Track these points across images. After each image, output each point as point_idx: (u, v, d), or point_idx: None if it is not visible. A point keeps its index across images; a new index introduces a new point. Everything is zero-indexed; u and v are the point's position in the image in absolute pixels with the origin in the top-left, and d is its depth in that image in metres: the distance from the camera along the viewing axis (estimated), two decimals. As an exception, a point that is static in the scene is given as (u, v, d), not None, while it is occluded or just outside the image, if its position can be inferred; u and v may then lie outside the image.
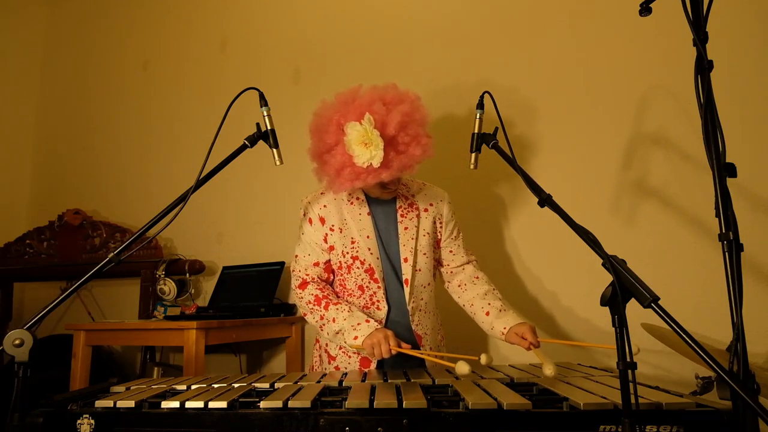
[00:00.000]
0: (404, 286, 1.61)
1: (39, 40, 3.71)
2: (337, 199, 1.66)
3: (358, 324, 1.50)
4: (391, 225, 1.65)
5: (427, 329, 1.65)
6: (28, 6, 3.68)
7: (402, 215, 1.66)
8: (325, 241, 1.65)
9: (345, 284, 1.63)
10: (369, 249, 1.61)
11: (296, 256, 1.70)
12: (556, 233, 2.02)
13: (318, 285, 1.64)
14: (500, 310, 1.58)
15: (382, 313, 1.60)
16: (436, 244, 1.72)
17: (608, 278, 0.94)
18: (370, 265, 1.60)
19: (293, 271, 1.70)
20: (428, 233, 1.67)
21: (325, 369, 1.68)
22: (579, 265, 1.97)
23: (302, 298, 1.63)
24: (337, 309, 1.55)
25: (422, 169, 1.59)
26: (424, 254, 1.66)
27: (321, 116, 1.52)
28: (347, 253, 1.62)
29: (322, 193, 1.68)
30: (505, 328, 1.53)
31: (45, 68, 3.70)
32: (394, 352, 1.42)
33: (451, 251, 1.73)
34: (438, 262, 1.75)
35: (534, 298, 2.10)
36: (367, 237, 1.61)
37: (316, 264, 1.67)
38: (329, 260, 1.67)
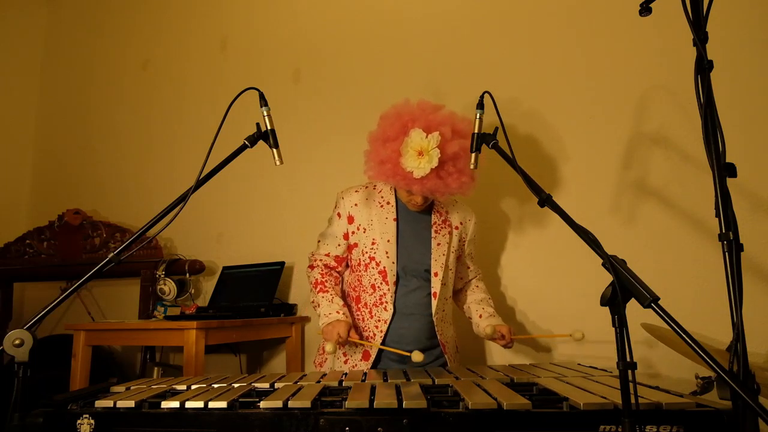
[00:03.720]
0: (433, 298, 1.70)
1: (39, 40, 3.71)
2: (368, 200, 1.75)
3: (330, 313, 1.66)
4: (419, 236, 1.73)
5: (447, 338, 1.75)
6: (28, 6, 3.68)
7: (436, 231, 1.75)
8: (346, 237, 1.76)
9: (361, 280, 1.73)
10: (386, 252, 1.69)
11: (318, 242, 1.84)
12: (556, 233, 2.02)
13: (322, 270, 1.79)
14: (490, 315, 1.77)
15: (388, 315, 1.67)
16: (456, 259, 1.83)
17: (608, 278, 0.94)
18: (384, 267, 1.68)
19: (311, 254, 1.85)
20: (455, 250, 1.79)
21: (337, 357, 1.75)
22: (578, 265, 1.97)
23: (309, 278, 1.81)
24: (323, 296, 1.72)
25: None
26: (451, 270, 1.77)
27: (395, 110, 1.63)
28: (366, 252, 1.72)
29: (356, 191, 1.77)
30: (487, 326, 1.69)
31: (45, 68, 3.70)
32: (341, 340, 1.59)
33: (468, 267, 1.88)
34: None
35: (531, 298, 2.09)
36: (387, 241, 1.70)
37: (328, 254, 1.81)
38: (340, 255, 1.79)
